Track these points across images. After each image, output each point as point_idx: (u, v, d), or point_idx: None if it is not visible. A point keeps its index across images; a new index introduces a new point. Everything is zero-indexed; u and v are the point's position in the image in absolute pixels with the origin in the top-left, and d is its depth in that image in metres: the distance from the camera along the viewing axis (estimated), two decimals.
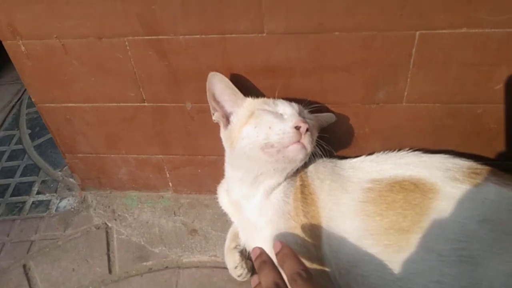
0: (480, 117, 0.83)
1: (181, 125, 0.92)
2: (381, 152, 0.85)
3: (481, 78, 0.78)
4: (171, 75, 0.83)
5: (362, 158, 0.86)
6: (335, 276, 0.76)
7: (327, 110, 0.86)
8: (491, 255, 0.68)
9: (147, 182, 1.07)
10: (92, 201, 1.10)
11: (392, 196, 0.76)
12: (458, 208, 0.72)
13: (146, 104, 0.89)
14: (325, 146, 0.76)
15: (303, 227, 0.77)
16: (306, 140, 0.71)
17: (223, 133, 0.81)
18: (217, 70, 0.80)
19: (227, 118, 0.79)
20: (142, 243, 0.99)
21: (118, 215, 1.06)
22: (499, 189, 0.73)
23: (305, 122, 0.70)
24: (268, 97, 0.80)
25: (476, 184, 0.74)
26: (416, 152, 0.83)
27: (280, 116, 0.73)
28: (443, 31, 0.72)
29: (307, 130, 0.70)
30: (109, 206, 1.08)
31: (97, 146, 1.00)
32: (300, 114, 0.74)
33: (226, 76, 0.76)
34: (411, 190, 0.76)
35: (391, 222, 0.74)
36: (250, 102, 0.78)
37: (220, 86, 0.77)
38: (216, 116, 0.79)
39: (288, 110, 0.74)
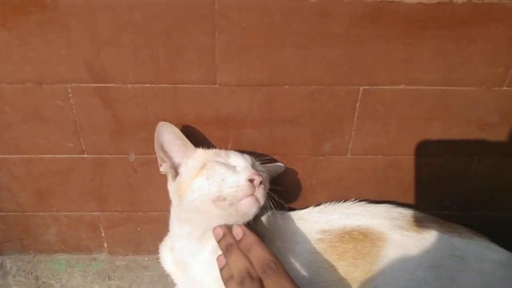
0: (418, 168, 0.88)
1: (123, 178, 0.86)
2: (328, 203, 0.86)
3: (418, 132, 0.84)
4: (116, 124, 0.79)
5: (310, 209, 0.86)
6: None
7: (276, 161, 0.86)
8: None
9: (78, 243, 0.97)
10: (11, 267, 0.96)
11: (343, 247, 0.76)
12: (406, 255, 0.74)
13: (85, 155, 0.83)
14: (276, 199, 0.75)
15: None
16: (260, 193, 0.70)
17: (171, 185, 0.77)
18: (166, 120, 0.78)
19: (175, 169, 0.76)
20: None
21: (43, 282, 0.93)
22: (442, 236, 0.77)
23: (259, 174, 0.69)
24: (220, 149, 0.79)
25: (420, 232, 0.77)
26: (362, 202, 0.85)
27: (233, 168, 0.72)
28: (384, 87, 0.78)
29: (260, 183, 0.69)
30: (31, 272, 0.95)
31: (24, 203, 0.90)
32: (252, 166, 0.74)
33: (176, 124, 0.74)
34: (360, 240, 0.77)
35: (344, 273, 0.74)
36: (201, 153, 0.76)
37: (169, 136, 0.74)
38: (164, 167, 0.75)
39: (241, 162, 0.73)
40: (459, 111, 0.81)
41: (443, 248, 0.75)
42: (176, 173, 0.76)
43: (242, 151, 0.78)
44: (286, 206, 0.79)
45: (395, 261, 0.73)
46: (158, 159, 0.75)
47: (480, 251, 0.76)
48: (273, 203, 0.74)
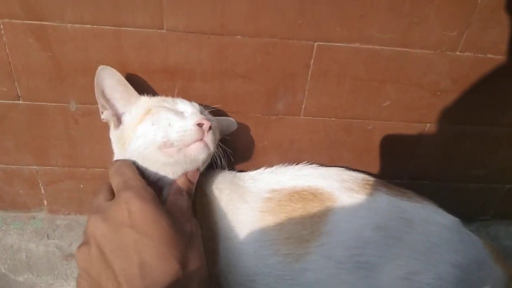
0: (370, 133, 0.87)
1: (63, 129, 0.81)
2: (280, 165, 0.84)
3: (371, 94, 0.82)
4: (54, 68, 0.74)
5: (261, 170, 0.84)
6: None
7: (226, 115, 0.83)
8: (385, 260, 0.69)
9: (15, 199, 0.91)
10: None
11: (292, 206, 0.75)
12: (354, 216, 0.73)
13: (21, 101, 0.77)
14: (227, 151, 0.72)
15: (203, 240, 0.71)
16: (209, 138, 0.67)
17: (113, 134, 0.73)
18: (110, 66, 0.73)
19: (118, 117, 0.72)
20: (3, 270, 0.83)
21: None
22: (390, 198, 0.76)
23: (208, 120, 0.66)
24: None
25: (369, 194, 0.77)
26: (313, 165, 0.84)
27: (180, 114, 0.68)
28: (339, 44, 0.76)
29: (209, 128, 0.66)
30: None
31: None
32: (201, 113, 0.70)
33: (120, 72, 0.69)
34: (309, 200, 0.75)
35: (290, 231, 0.72)
36: (146, 100, 0.72)
37: (111, 82, 0.69)
38: (105, 115, 0.71)
39: (188, 108, 0.70)
40: (412, 75, 0.81)
41: (390, 210, 0.75)
42: (118, 121, 0.72)
43: None
44: (234, 166, 0.77)
45: (343, 221, 0.72)
46: (99, 106, 0.71)
47: (427, 214, 0.76)
48: (223, 156, 0.72)
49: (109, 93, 0.70)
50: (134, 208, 0.55)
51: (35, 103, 0.78)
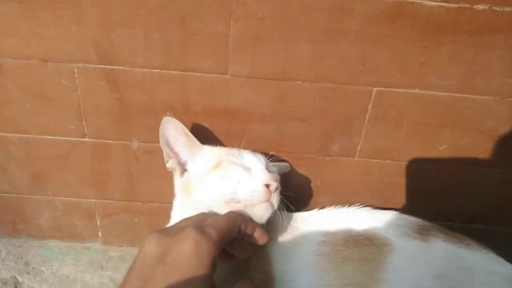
0: (426, 177, 0.87)
1: (123, 165, 0.84)
2: (333, 207, 0.84)
3: (428, 138, 0.82)
4: (121, 109, 0.77)
5: (315, 211, 0.84)
6: None
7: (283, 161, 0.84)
8: None
9: (72, 230, 0.94)
10: (1, 251, 0.93)
11: (348, 250, 0.74)
12: (412, 264, 0.72)
13: (86, 139, 0.80)
14: (286, 203, 0.72)
15: (255, 283, 0.71)
16: (275, 199, 0.68)
17: (177, 181, 0.75)
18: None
19: (182, 165, 0.74)
20: None
21: (33, 268, 0.90)
22: (448, 246, 0.75)
23: (276, 180, 0.67)
24: (225, 144, 0.77)
25: (426, 240, 0.75)
26: (367, 208, 0.83)
27: (248, 169, 0.70)
28: (398, 89, 0.76)
29: (276, 188, 0.67)
30: (21, 257, 0.92)
31: (19, 185, 0.87)
32: (266, 167, 0.72)
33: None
34: (366, 245, 0.74)
35: (348, 277, 0.71)
36: (214, 150, 0.74)
37: (174, 133, 0.72)
38: (171, 164, 0.73)
39: (255, 164, 0.71)
40: (471, 120, 0.80)
41: (449, 258, 0.73)
42: (183, 169, 0.74)
43: (249, 147, 0.76)
44: (293, 209, 0.77)
45: (401, 269, 0.71)
46: (164, 155, 0.73)
47: (487, 264, 0.74)
48: (284, 209, 0.72)
49: (173, 143, 0.72)
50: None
51: (100, 140, 0.81)
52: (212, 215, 0.59)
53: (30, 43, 0.70)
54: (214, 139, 0.80)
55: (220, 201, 0.67)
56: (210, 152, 0.74)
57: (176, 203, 0.77)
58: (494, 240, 0.93)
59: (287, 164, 0.83)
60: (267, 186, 0.66)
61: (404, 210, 0.86)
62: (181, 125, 0.71)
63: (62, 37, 0.69)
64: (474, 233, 0.80)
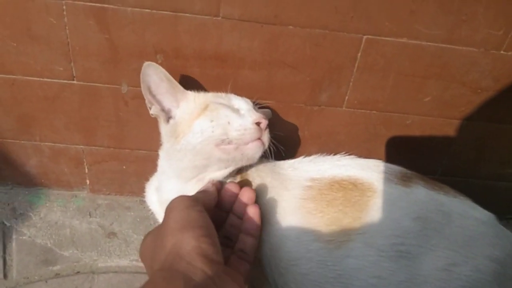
0: (408, 128, 0.89)
1: (112, 110, 0.84)
2: (318, 155, 0.86)
3: (413, 89, 0.84)
4: (110, 50, 0.76)
5: (300, 159, 0.86)
6: (274, 278, 0.73)
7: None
8: (425, 251, 0.71)
9: (60, 177, 0.94)
10: None
11: (332, 194, 0.76)
12: (393, 206, 0.75)
13: (75, 82, 0.80)
14: (277, 145, 0.74)
15: None
16: (266, 136, 0.69)
17: (163, 128, 0.74)
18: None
19: (166, 112, 0.73)
20: (49, 245, 0.85)
21: (20, 213, 0.91)
22: (428, 191, 0.78)
23: (265, 118, 0.68)
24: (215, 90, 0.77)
25: (408, 186, 0.78)
26: (352, 156, 0.86)
27: (237, 111, 0.70)
28: (387, 38, 0.77)
29: (266, 126, 0.68)
30: (8, 204, 0.92)
31: (5, 129, 0.86)
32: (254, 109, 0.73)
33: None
34: (350, 189, 0.77)
35: (332, 219, 0.74)
36: (197, 95, 0.74)
37: (156, 78, 0.70)
38: (154, 110, 0.72)
39: (243, 105, 0.72)
40: (455, 72, 0.82)
41: (429, 202, 0.76)
42: (167, 116, 0.73)
43: (238, 93, 0.77)
44: (284, 153, 0.79)
45: (383, 211, 0.74)
46: (147, 102, 0.72)
47: (464, 209, 0.77)
48: (273, 151, 0.74)
49: (155, 90, 0.71)
50: None
51: (89, 83, 0.80)
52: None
53: None
54: (202, 87, 0.80)
55: (210, 144, 0.68)
56: (196, 96, 0.73)
57: (162, 150, 0.77)
58: (471, 193, 0.97)
59: (269, 110, 0.84)
60: (258, 124, 0.67)
61: (387, 161, 0.89)
62: (163, 70, 0.69)
63: None
64: (453, 186, 0.83)
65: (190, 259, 0.50)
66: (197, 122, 0.69)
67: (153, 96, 0.72)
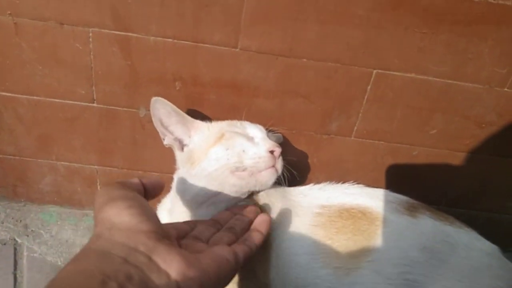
0: (415, 159, 0.92)
1: (129, 133, 0.86)
2: (328, 183, 0.88)
3: (420, 122, 0.87)
4: (131, 76, 0.79)
5: (310, 186, 0.88)
6: None
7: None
8: (432, 280, 0.72)
9: (72, 196, 0.96)
10: (0, 213, 0.95)
11: (342, 222, 0.78)
12: (401, 236, 0.77)
13: (95, 104, 0.83)
14: (291, 170, 0.76)
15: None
16: (279, 164, 0.72)
17: (179, 155, 0.78)
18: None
19: (179, 141, 0.77)
20: (59, 263, 0.87)
21: (31, 230, 0.92)
22: (434, 222, 0.80)
23: (279, 146, 0.71)
24: (230, 117, 0.80)
25: (415, 217, 0.80)
26: (360, 185, 0.88)
27: (251, 139, 0.73)
28: (396, 73, 0.81)
29: (279, 154, 0.71)
30: (20, 220, 0.94)
31: (24, 147, 0.88)
32: (268, 137, 0.75)
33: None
34: (359, 217, 0.79)
35: (341, 246, 0.76)
36: (212, 125, 0.77)
37: (165, 112, 0.74)
38: (167, 140, 0.76)
39: (258, 133, 0.75)
40: (460, 106, 0.85)
41: (435, 233, 0.78)
42: (181, 145, 0.76)
43: (251, 121, 0.80)
44: (298, 178, 0.81)
45: (391, 240, 0.76)
46: (160, 133, 0.76)
47: (469, 240, 0.79)
48: (287, 177, 0.76)
49: (166, 121, 0.75)
50: None
51: (108, 106, 0.83)
52: None
53: (49, 4, 0.72)
54: (219, 113, 0.83)
55: (226, 171, 0.70)
56: (211, 125, 0.77)
57: (177, 174, 0.79)
58: (475, 224, 0.99)
59: (280, 135, 0.87)
60: (271, 152, 0.70)
61: (393, 190, 0.91)
62: (170, 104, 0.73)
63: (80, 0, 0.72)
64: (456, 217, 0.85)
65: (109, 236, 0.44)
66: (213, 150, 0.72)
67: (166, 128, 0.75)
